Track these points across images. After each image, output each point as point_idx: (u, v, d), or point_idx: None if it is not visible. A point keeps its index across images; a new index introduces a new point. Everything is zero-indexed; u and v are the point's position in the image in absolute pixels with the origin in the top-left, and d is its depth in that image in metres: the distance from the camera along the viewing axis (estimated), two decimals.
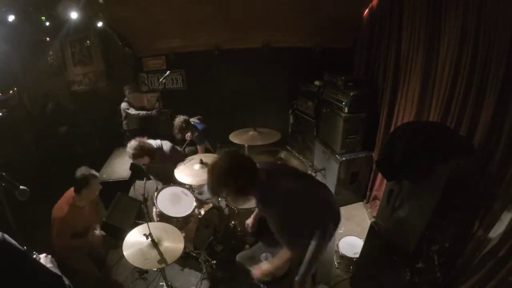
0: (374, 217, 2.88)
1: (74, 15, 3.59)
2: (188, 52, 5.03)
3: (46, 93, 5.32)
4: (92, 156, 4.11)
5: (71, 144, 5.14)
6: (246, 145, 3.60)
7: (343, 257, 2.70)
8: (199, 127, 3.75)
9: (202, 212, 2.70)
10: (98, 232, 2.55)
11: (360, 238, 2.81)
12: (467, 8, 2.05)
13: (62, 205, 2.38)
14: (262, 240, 2.30)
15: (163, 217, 2.60)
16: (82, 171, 2.37)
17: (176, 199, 2.79)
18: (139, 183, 4.00)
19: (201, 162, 2.91)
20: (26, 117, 4.91)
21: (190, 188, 2.90)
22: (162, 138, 3.21)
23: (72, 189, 2.42)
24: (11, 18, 3.39)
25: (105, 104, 5.48)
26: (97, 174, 2.47)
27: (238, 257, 2.20)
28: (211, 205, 2.79)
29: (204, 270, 2.66)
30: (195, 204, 2.69)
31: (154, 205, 2.69)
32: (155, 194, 2.74)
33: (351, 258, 2.66)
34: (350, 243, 2.80)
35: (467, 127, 2.03)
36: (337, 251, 2.74)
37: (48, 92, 5.35)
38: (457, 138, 1.92)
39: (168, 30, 4.71)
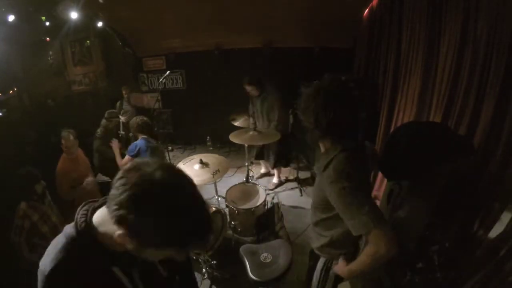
0: None
1: (74, 15, 3.59)
2: (188, 52, 5.05)
3: (46, 93, 5.33)
4: (90, 156, 4.11)
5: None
6: (246, 145, 3.60)
7: None
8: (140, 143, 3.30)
9: None
10: (90, 179, 2.94)
11: None
12: (467, 8, 2.05)
13: (62, 163, 2.86)
14: (265, 241, 2.32)
15: None
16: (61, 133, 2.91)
17: None
18: None
19: (201, 162, 2.92)
20: (26, 117, 4.91)
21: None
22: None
23: (62, 155, 2.90)
24: (11, 18, 3.40)
25: (105, 103, 5.48)
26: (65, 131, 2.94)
27: (242, 248, 2.24)
28: (214, 209, 2.78)
29: (204, 270, 2.66)
30: None
31: None
32: None
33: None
34: None
35: (467, 127, 2.03)
36: None
37: (49, 92, 5.35)
38: (457, 138, 1.92)
39: (168, 30, 4.71)
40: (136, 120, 3.48)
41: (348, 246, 1.51)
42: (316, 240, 1.62)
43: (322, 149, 1.46)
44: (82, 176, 2.96)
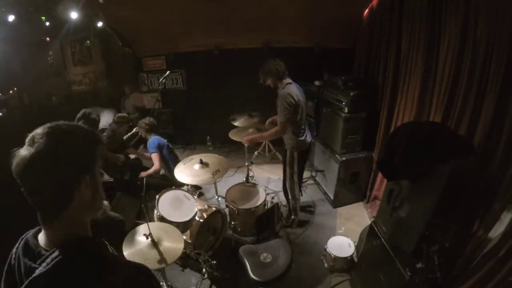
0: (374, 217, 2.87)
1: (74, 15, 3.59)
2: (188, 52, 5.04)
3: (46, 93, 5.33)
4: None
5: None
6: (246, 145, 3.60)
7: (335, 259, 2.66)
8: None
9: (205, 216, 2.69)
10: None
11: (348, 237, 2.81)
12: (467, 7, 2.05)
13: None
14: (265, 241, 2.33)
15: (164, 221, 2.58)
16: None
17: (178, 203, 2.78)
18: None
19: (201, 162, 2.91)
20: (26, 117, 4.91)
21: (192, 191, 2.89)
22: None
23: None
24: (11, 18, 3.40)
25: (105, 103, 5.48)
26: None
27: (241, 249, 2.24)
28: (214, 209, 2.78)
29: (204, 270, 2.66)
30: (196, 209, 2.68)
31: (156, 208, 2.68)
32: (157, 197, 2.74)
33: (344, 258, 2.64)
34: (338, 243, 2.77)
35: (467, 127, 2.03)
36: (329, 254, 2.69)
37: (49, 92, 5.36)
38: (457, 138, 1.92)
39: (168, 30, 4.71)
40: (144, 121, 3.61)
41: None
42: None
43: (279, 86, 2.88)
44: None
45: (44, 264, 0.69)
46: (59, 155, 0.69)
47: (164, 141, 3.61)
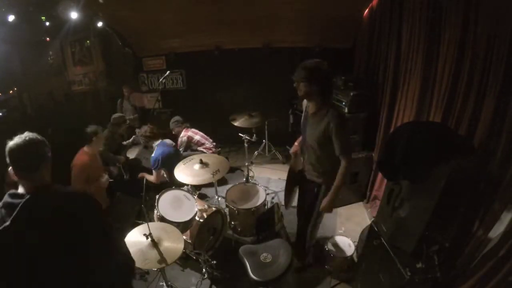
0: (374, 217, 2.87)
1: (74, 15, 3.60)
2: (188, 52, 5.04)
3: (46, 93, 5.33)
4: None
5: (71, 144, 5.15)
6: (246, 145, 3.61)
7: (335, 258, 2.67)
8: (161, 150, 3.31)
9: (205, 216, 2.69)
10: (106, 177, 3.05)
11: (348, 237, 2.81)
12: (467, 7, 2.05)
13: (82, 157, 2.90)
14: (265, 241, 2.35)
15: (164, 221, 2.59)
16: (91, 127, 2.99)
17: (178, 203, 2.78)
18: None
19: (201, 162, 2.92)
20: (26, 117, 4.91)
21: (192, 191, 2.89)
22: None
23: (82, 149, 2.96)
24: (11, 18, 3.40)
25: (105, 103, 5.49)
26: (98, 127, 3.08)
27: (241, 249, 2.24)
28: (214, 209, 2.78)
29: (204, 270, 2.66)
30: (196, 209, 2.68)
31: (156, 208, 2.68)
32: (157, 197, 2.74)
33: (344, 258, 2.64)
34: (338, 243, 2.79)
35: (467, 127, 2.03)
36: (329, 254, 2.69)
37: (49, 92, 5.36)
38: (457, 138, 1.92)
39: (168, 30, 4.71)
40: (143, 133, 3.42)
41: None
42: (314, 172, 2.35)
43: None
44: (96, 173, 2.96)
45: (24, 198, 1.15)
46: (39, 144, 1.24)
47: (170, 149, 3.36)
